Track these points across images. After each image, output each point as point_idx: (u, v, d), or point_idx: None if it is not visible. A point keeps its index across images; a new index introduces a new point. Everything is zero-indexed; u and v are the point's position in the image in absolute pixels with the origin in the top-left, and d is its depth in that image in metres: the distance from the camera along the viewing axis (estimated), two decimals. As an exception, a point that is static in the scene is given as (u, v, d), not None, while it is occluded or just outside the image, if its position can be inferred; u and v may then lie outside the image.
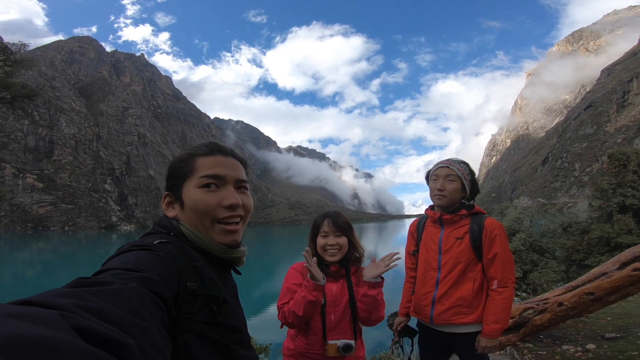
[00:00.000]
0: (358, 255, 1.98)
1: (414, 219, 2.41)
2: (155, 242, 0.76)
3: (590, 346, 3.85)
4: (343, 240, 1.89)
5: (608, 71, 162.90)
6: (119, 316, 0.47)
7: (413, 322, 2.32)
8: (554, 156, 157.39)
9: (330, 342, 1.81)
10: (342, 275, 1.92)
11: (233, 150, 0.97)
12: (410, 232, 2.38)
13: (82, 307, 0.44)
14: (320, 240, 1.90)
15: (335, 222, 1.90)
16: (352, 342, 1.84)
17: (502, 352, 4.00)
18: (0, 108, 15.56)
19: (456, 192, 2.07)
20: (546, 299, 4.17)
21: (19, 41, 15.28)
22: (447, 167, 2.10)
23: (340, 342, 1.81)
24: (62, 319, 0.38)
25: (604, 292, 3.72)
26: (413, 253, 2.31)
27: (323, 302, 1.83)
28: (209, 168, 0.89)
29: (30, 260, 42.22)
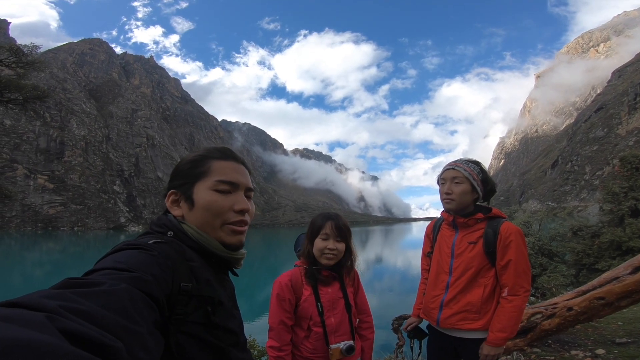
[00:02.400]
0: (350, 263, 1.94)
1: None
2: (150, 242, 0.75)
3: (600, 351, 3.77)
4: (342, 246, 1.86)
5: (619, 73, 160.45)
6: (107, 318, 0.46)
7: (425, 324, 2.26)
8: (564, 159, 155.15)
9: (333, 346, 1.80)
10: (334, 278, 1.90)
11: (243, 159, 1.00)
12: (427, 234, 2.34)
13: (70, 309, 0.43)
14: (319, 243, 1.85)
15: (338, 226, 1.85)
16: (353, 342, 1.84)
17: (509, 356, 3.93)
18: (13, 109, 15.71)
19: (465, 194, 2.00)
20: (555, 303, 4.09)
21: (31, 43, 15.48)
22: (454, 169, 2.04)
23: (343, 345, 1.81)
24: (48, 321, 0.38)
25: (615, 297, 3.64)
26: (428, 255, 2.29)
27: (320, 310, 1.82)
28: (225, 173, 0.92)
29: (40, 260, 42.85)
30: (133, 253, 0.69)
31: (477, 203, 2.07)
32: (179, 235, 0.85)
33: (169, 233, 0.85)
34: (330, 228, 1.84)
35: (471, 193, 2.01)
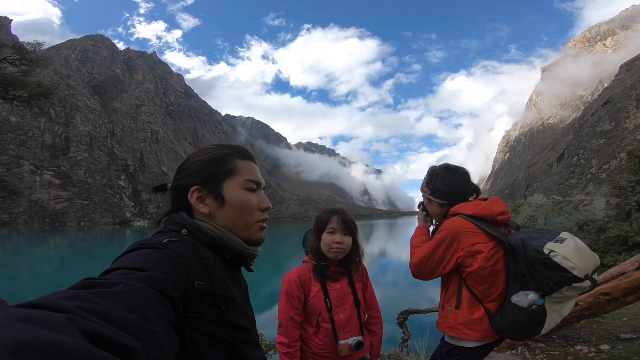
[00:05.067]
0: (358, 258, 1.95)
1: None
2: (164, 241, 0.76)
3: (605, 347, 3.77)
4: (349, 240, 1.87)
5: (627, 67, 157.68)
6: (124, 318, 0.47)
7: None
8: (570, 153, 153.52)
9: (342, 341, 1.79)
10: (342, 274, 1.91)
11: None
12: None
13: (88, 309, 0.44)
14: (326, 237, 1.85)
15: (344, 220, 1.87)
16: (362, 338, 1.84)
17: (513, 351, 3.94)
18: (18, 106, 15.84)
19: (429, 206, 2.08)
20: (560, 298, 4.08)
21: (34, 40, 15.52)
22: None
23: (352, 340, 1.80)
24: (69, 322, 0.38)
25: (621, 293, 3.63)
26: None
27: (329, 306, 1.82)
28: (251, 173, 0.95)
29: (48, 255, 43.38)
30: (148, 252, 0.70)
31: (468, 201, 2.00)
32: (194, 232, 0.85)
33: (182, 231, 0.85)
34: (336, 222, 1.85)
35: (431, 203, 2.04)
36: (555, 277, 1.56)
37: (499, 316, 1.73)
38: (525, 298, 1.64)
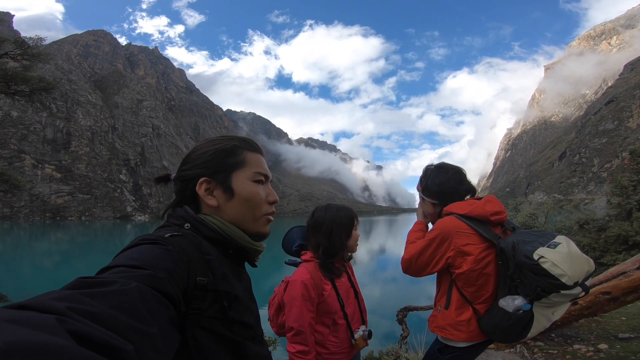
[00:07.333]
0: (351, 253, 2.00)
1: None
2: (167, 235, 0.74)
3: (603, 346, 3.77)
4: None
5: (631, 66, 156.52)
6: (117, 320, 0.46)
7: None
8: (572, 151, 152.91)
9: (356, 335, 1.80)
10: (343, 268, 1.93)
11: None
12: None
13: (78, 310, 0.43)
14: (355, 234, 1.89)
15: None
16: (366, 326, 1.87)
17: (512, 350, 3.95)
18: (20, 101, 15.87)
19: (424, 206, 2.07)
20: (559, 297, 4.08)
21: (36, 35, 15.52)
22: None
23: (362, 331, 1.81)
24: (58, 323, 0.38)
25: (621, 292, 3.64)
26: None
27: (341, 303, 1.81)
28: (260, 165, 0.93)
29: (49, 250, 43.51)
30: (147, 248, 0.68)
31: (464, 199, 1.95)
32: (197, 227, 0.83)
33: (185, 225, 0.83)
34: (357, 220, 1.91)
35: (425, 202, 2.04)
36: (543, 284, 1.51)
37: (486, 318, 1.70)
38: (512, 303, 1.60)
